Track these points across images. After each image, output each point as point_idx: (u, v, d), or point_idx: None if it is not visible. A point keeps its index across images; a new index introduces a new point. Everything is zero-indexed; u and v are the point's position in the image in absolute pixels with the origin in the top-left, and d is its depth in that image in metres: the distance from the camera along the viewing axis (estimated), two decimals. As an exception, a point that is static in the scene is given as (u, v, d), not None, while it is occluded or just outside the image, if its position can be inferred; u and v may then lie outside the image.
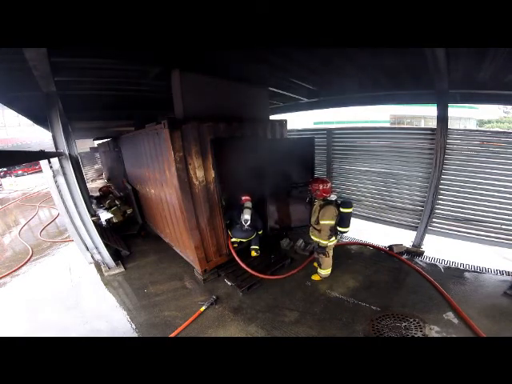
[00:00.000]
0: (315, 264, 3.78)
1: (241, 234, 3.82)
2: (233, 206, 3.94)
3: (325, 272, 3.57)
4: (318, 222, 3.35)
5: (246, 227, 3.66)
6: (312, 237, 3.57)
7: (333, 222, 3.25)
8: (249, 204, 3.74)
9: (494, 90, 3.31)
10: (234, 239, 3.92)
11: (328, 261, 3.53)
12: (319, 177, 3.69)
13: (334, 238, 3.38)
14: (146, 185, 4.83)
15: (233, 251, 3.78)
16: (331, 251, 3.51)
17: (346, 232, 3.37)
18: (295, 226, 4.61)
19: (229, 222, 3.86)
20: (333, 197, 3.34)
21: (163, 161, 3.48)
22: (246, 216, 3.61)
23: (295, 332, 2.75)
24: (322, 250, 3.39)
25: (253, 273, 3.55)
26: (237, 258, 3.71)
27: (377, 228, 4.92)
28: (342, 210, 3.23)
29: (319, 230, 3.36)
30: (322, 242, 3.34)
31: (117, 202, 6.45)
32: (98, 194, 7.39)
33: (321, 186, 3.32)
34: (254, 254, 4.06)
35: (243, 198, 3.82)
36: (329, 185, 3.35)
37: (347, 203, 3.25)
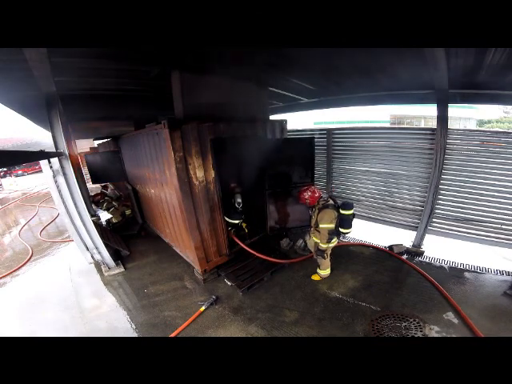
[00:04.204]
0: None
1: (238, 216, 4.10)
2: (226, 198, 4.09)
3: (324, 273, 3.58)
4: (317, 225, 3.36)
5: (240, 209, 3.99)
6: (313, 238, 3.58)
7: (332, 226, 3.22)
8: (238, 189, 4.09)
9: (494, 90, 3.31)
10: (232, 223, 4.11)
11: (326, 262, 3.53)
12: (302, 187, 3.59)
13: (334, 240, 3.38)
14: (146, 185, 4.82)
15: (235, 238, 3.93)
16: (329, 252, 3.52)
17: (349, 233, 3.35)
18: (295, 226, 4.61)
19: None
20: (326, 198, 3.37)
21: (163, 161, 3.48)
22: (239, 199, 3.98)
23: (295, 332, 2.75)
24: (321, 253, 3.40)
25: (259, 255, 3.75)
26: (241, 244, 3.85)
27: (377, 228, 4.92)
28: (342, 212, 3.20)
29: (319, 232, 3.38)
30: (321, 244, 3.36)
31: (114, 204, 6.45)
32: (94, 198, 7.30)
33: (306, 195, 3.38)
34: (245, 225, 4.36)
35: (232, 185, 4.17)
36: (317, 192, 3.39)
37: (347, 205, 3.20)
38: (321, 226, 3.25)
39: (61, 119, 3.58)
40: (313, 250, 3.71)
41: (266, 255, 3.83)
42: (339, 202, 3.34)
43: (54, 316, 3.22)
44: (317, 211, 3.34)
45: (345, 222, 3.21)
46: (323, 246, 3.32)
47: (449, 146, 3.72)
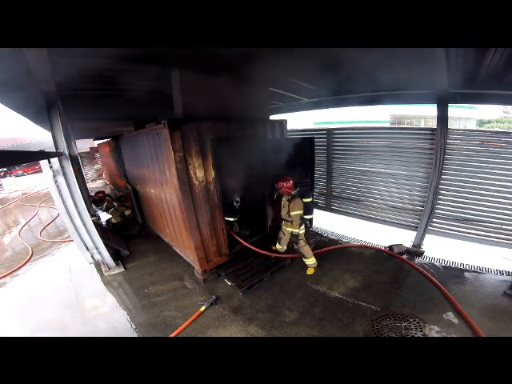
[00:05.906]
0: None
1: (234, 214, 4.18)
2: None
3: (311, 261, 3.75)
4: (289, 215, 3.65)
5: (237, 207, 4.15)
6: (286, 228, 3.82)
7: (301, 212, 3.59)
8: (237, 188, 4.20)
9: (494, 90, 3.31)
10: (226, 220, 4.13)
11: (307, 249, 3.74)
12: (282, 176, 3.80)
13: (303, 226, 3.70)
14: (146, 185, 4.82)
15: (235, 235, 4.01)
16: (304, 238, 3.75)
17: (311, 218, 4.05)
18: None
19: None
20: (295, 191, 3.72)
21: (163, 161, 3.48)
22: (237, 198, 4.17)
23: (295, 332, 2.75)
24: (296, 238, 3.66)
25: (254, 249, 3.89)
26: (240, 240, 3.94)
27: (377, 228, 4.92)
28: (305, 200, 3.70)
29: (291, 222, 3.64)
30: (294, 230, 3.64)
31: (114, 204, 6.45)
32: (95, 197, 7.31)
33: (285, 184, 3.67)
34: (236, 225, 4.46)
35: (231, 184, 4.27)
36: (291, 182, 3.68)
37: (307, 193, 3.87)
38: (293, 213, 3.55)
39: (61, 119, 3.57)
40: (285, 246, 4.08)
41: (266, 255, 3.88)
42: (299, 193, 3.73)
43: (54, 316, 3.22)
44: (287, 202, 3.68)
45: (308, 209, 3.81)
46: (296, 230, 3.62)
47: (449, 146, 3.72)
